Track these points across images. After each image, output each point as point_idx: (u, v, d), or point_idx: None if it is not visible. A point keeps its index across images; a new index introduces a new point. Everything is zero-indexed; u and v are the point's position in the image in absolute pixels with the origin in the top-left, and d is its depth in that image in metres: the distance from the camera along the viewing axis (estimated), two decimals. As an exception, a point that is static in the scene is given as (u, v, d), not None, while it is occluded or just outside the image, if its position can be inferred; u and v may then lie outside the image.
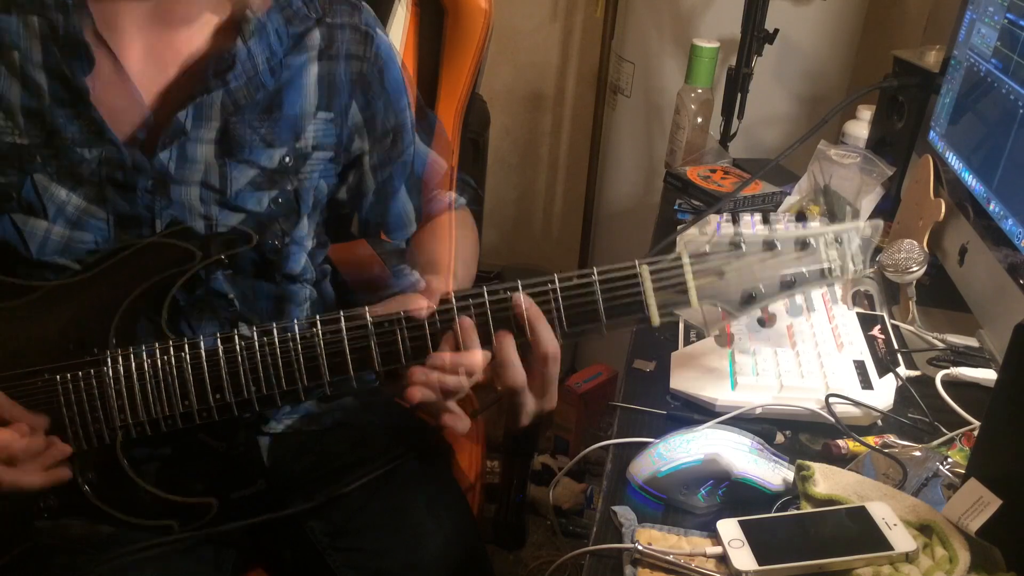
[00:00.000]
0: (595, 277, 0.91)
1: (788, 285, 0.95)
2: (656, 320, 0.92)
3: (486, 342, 0.90)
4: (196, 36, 0.98)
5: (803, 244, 0.95)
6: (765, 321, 0.97)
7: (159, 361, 0.93)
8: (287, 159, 1.01)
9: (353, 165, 1.08)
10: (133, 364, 0.93)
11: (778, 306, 0.97)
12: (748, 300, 0.94)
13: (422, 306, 0.89)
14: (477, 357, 0.89)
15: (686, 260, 0.93)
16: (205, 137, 0.97)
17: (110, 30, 0.94)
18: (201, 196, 0.98)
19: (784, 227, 0.97)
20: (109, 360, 0.93)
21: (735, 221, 0.97)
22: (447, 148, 1.22)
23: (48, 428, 0.92)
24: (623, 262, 0.92)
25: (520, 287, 0.90)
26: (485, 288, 0.91)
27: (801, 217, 0.98)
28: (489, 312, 0.90)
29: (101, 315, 0.94)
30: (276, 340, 0.92)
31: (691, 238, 0.94)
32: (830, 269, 0.95)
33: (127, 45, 0.95)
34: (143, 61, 0.96)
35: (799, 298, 0.97)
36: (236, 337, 0.92)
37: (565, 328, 0.91)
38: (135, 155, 0.95)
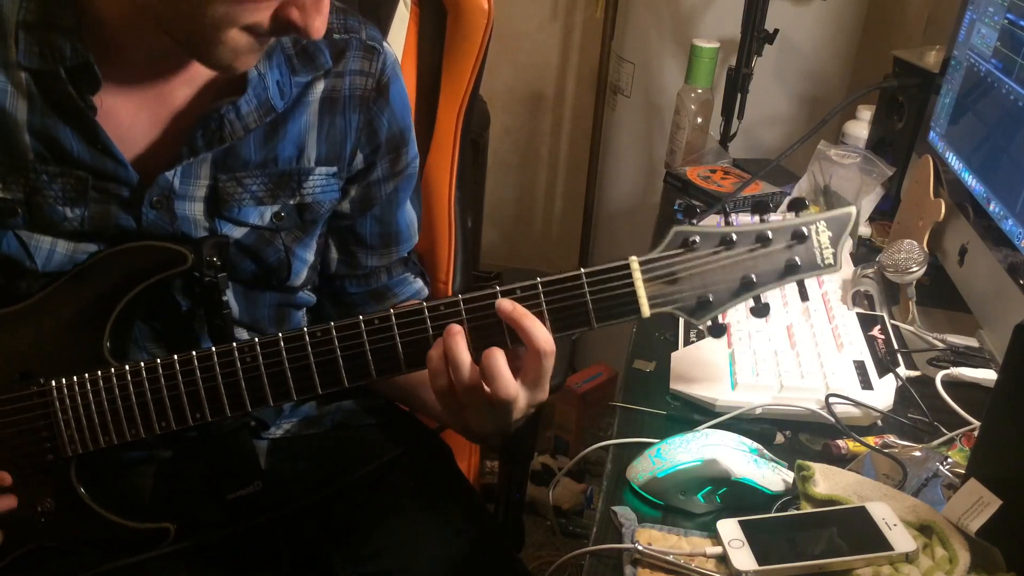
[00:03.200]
0: (538, 280, 0.86)
1: (749, 286, 0.88)
2: (594, 326, 0.87)
3: (474, 350, 0.86)
4: (192, 97, 0.95)
5: (763, 239, 0.87)
6: (758, 311, 0.91)
7: (102, 389, 0.91)
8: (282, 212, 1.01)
9: (356, 179, 1.06)
10: (78, 393, 0.91)
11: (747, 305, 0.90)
12: (704, 305, 0.87)
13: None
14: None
15: (635, 267, 0.87)
16: (198, 191, 0.96)
17: (105, 94, 0.90)
18: (205, 210, 0.97)
19: (745, 221, 0.89)
20: (54, 390, 0.91)
21: (691, 218, 0.89)
22: (420, 218, 1.18)
23: None
24: (571, 270, 0.87)
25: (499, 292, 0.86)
26: (461, 297, 0.86)
27: (763, 208, 0.89)
28: (467, 320, 0.86)
29: (49, 342, 0.93)
30: (216, 364, 0.89)
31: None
32: (796, 265, 0.88)
33: (121, 108, 0.92)
34: (136, 124, 0.93)
35: (764, 297, 0.89)
36: (176, 361, 0.90)
37: (509, 342, 0.86)
38: (138, 173, 0.93)
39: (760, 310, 0.91)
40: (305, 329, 0.88)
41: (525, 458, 1.32)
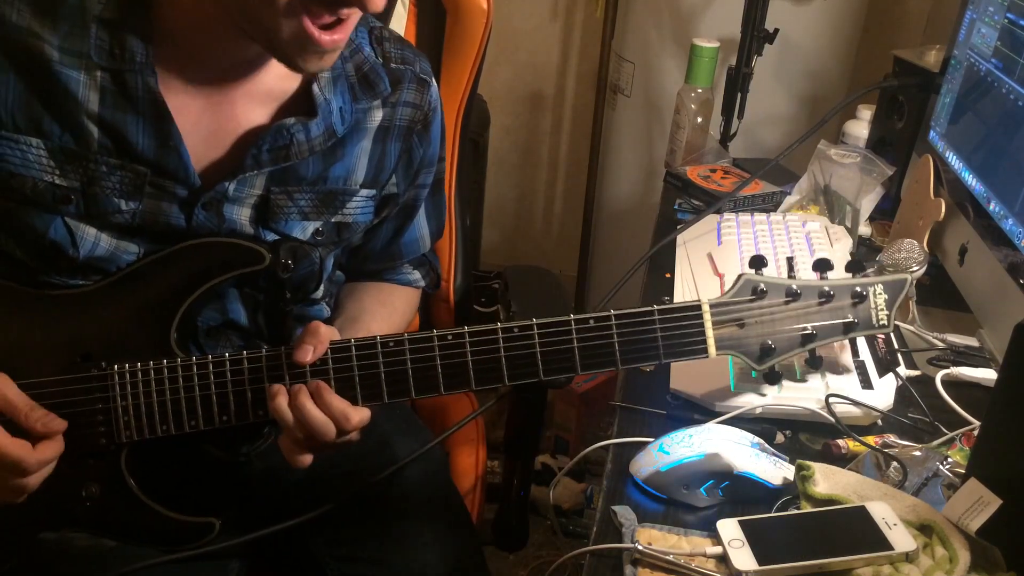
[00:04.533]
0: (611, 312, 0.90)
1: (809, 339, 0.93)
2: (662, 360, 0.92)
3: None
4: (257, 110, 0.96)
5: (826, 296, 0.93)
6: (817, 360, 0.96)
7: (166, 379, 0.92)
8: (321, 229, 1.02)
9: (384, 202, 1.09)
10: (140, 380, 0.92)
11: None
12: (767, 352, 0.92)
13: (305, 356, 0.90)
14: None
15: (706, 309, 0.91)
16: (249, 199, 0.97)
17: (171, 95, 0.91)
18: (252, 217, 0.98)
19: (807, 277, 0.94)
20: (116, 375, 0.92)
21: (758, 268, 0.94)
22: (440, 232, 1.22)
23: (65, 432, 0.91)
24: (643, 306, 0.90)
25: (535, 324, 0.90)
26: (500, 325, 0.90)
27: (825, 266, 0.95)
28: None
29: (115, 326, 0.94)
30: (284, 364, 0.91)
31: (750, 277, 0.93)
32: (853, 323, 0.93)
33: (184, 111, 0.92)
34: (196, 130, 0.94)
35: (818, 351, 0.95)
36: (244, 358, 0.92)
37: (579, 368, 0.91)
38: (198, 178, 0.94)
39: (814, 362, 0.96)
40: (378, 337, 0.91)
41: (530, 456, 1.32)
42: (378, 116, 1.03)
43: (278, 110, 0.97)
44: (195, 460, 1.04)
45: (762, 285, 0.92)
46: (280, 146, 0.95)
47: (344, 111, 0.99)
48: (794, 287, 0.93)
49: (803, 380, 1.02)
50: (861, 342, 1.11)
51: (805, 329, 0.93)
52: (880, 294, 0.94)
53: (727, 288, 0.94)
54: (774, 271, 1.25)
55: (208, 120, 0.94)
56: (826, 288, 0.93)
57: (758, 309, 0.92)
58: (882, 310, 0.94)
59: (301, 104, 0.97)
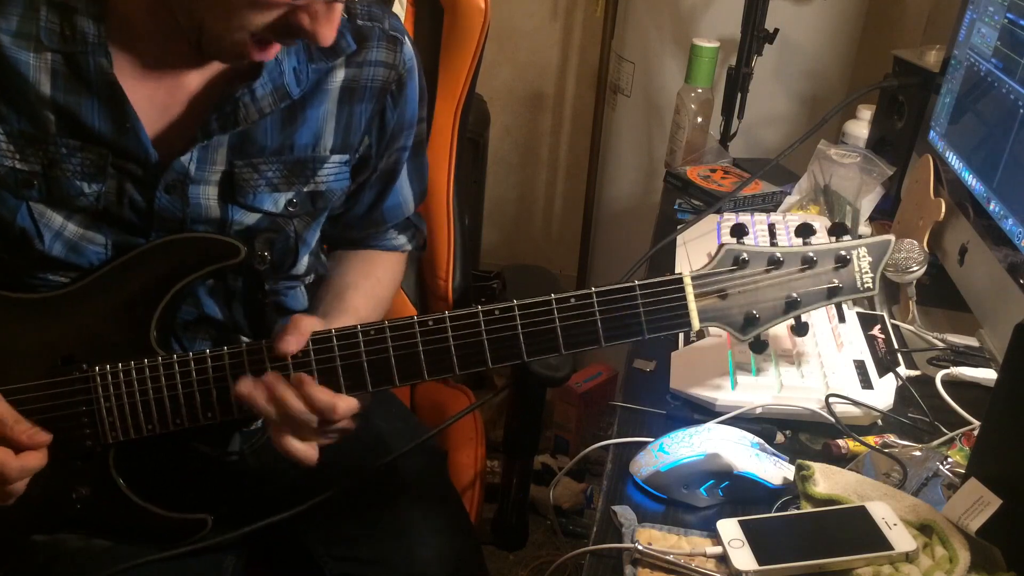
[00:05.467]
0: (592, 290, 0.89)
1: (793, 305, 0.92)
2: (646, 336, 0.91)
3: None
4: (210, 80, 0.95)
5: (808, 262, 0.92)
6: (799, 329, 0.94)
7: (148, 378, 0.91)
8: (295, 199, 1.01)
9: (360, 166, 1.07)
10: (123, 381, 0.92)
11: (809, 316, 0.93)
12: (751, 322, 0.91)
13: (287, 347, 0.89)
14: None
15: (688, 282, 0.90)
16: (213, 176, 0.96)
17: (124, 74, 0.91)
18: (219, 195, 0.97)
19: (788, 243, 0.93)
20: (98, 377, 0.92)
21: (739, 237, 0.93)
22: (423, 195, 1.20)
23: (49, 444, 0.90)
24: (623, 281, 0.90)
25: (517, 306, 0.89)
26: (482, 309, 0.89)
27: (807, 231, 0.94)
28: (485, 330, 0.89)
29: (94, 328, 0.93)
30: (267, 358, 0.91)
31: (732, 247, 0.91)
32: (838, 288, 0.92)
33: (139, 89, 0.92)
34: (152, 106, 0.93)
35: (804, 316, 0.94)
36: (225, 353, 0.91)
37: (563, 348, 0.90)
38: (156, 154, 0.93)
39: (800, 329, 0.95)
40: (359, 327, 0.90)
41: (529, 456, 1.33)
42: (340, 76, 1.00)
43: (227, 79, 0.96)
44: (185, 458, 1.04)
45: (744, 254, 0.91)
46: (227, 112, 0.94)
47: (299, 71, 0.97)
48: (776, 254, 0.91)
49: (804, 377, 1.03)
50: (861, 341, 1.11)
51: (789, 296, 0.92)
52: (864, 257, 0.93)
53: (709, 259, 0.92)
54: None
55: (163, 96, 0.94)
56: (809, 254, 0.92)
57: (740, 279, 0.91)
58: (866, 273, 0.93)
59: (251, 69, 0.95)
